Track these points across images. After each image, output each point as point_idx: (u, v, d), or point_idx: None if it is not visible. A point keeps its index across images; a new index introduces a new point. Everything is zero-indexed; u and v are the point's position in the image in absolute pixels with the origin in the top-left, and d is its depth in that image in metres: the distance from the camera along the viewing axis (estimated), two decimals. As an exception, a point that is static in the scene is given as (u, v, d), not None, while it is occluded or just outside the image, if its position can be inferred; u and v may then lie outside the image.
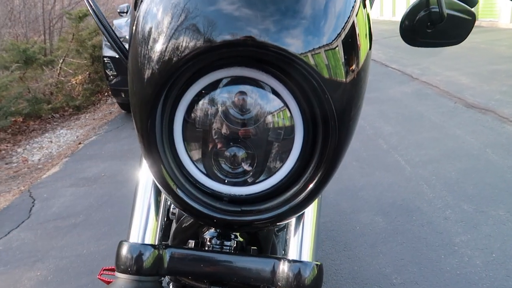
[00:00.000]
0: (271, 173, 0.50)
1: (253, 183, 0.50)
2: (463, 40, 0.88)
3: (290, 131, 0.48)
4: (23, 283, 2.06)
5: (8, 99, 4.93)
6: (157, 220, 0.60)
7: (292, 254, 0.59)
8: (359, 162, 3.15)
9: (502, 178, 2.68)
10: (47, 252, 2.32)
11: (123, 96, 5.05)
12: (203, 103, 0.47)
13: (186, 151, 0.49)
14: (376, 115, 4.35)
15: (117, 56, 4.85)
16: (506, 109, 4.01)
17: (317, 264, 0.57)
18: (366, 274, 1.91)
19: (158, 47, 0.43)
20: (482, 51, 7.67)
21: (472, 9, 0.85)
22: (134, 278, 0.53)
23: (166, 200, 0.63)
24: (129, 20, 4.67)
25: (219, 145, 0.49)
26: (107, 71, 5.03)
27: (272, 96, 0.47)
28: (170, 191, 0.49)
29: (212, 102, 0.47)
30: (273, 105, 0.48)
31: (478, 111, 4.12)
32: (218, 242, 0.64)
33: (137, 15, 0.47)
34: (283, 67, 0.44)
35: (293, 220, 0.62)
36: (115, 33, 0.61)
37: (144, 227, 0.59)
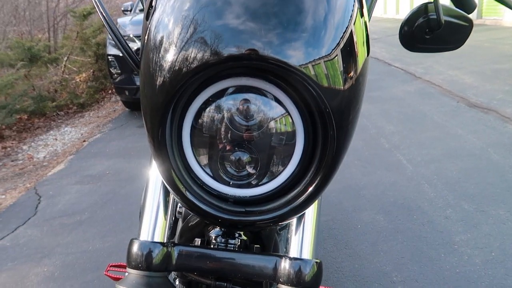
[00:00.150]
0: (274, 176, 0.53)
1: (257, 185, 0.54)
2: (461, 46, 0.91)
3: (291, 136, 0.51)
4: (30, 278, 2.10)
5: (13, 96, 4.97)
6: (165, 219, 0.63)
7: (293, 252, 0.62)
8: (361, 161, 3.18)
9: (503, 178, 2.70)
10: (53, 249, 2.36)
11: (127, 94, 5.09)
12: (210, 110, 0.50)
13: (194, 155, 0.52)
14: (378, 114, 4.37)
15: (121, 55, 4.90)
16: (509, 109, 4.02)
17: (316, 262, 0.60)
18: (366, 272, 1.94)
19: (169, 57, 0.46)
20: (486, 49, 7.66)
21: (470, 16, 0.88)
22: (144, 273, 0.57)
23: (174, 200, 0.67)
24: (133, 19, 4.72)
25: (225, 150, 0.52)
26: (111, 69, 5.07)
27: (274, 104, 0.50)
28: (179, 193, 0.52)
29: (219, 109, 0.50)
30: (276, 112, 0.51)
31: (481, 110, 4.13)
32: (223, 240, 0.67)
33: (149, 25, 0.50)
34: (284, 77, 0.47)
35: (294, 220, 0.65)
36: (126, 43, 0.64)
37: (153, 226, 0.62)
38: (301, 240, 0.63)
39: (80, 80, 6.88)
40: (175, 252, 0.59)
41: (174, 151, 0.51)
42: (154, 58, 0.48)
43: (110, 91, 7.27)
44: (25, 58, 5.69)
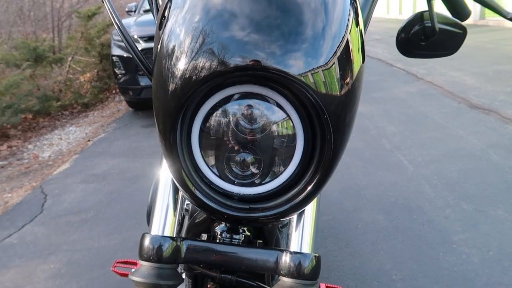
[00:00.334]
0: (276, 175, 0.58)
1: (260, 184, 0.58)
2: (455, 52, 0.95)
3: (292, 139, 0.56)
4: (37, 275, 2.15)
5: (18, 96, 5.04)
6: (175, 215, 0.68)
7: (294, 247, 0.67)
8: (362, 162, 3.21)
9: (502, 179, 2.73)
10: (60, 246, 2.41)
11: (131, 94, 5.15)
12: (217, 114, 0.55)
13: (202, 156, 0.57)
14: (380, 114, 4.40)
15: (125, 55, 4.96)
16: (510, 110, 4.05)
17: (315, 256, 0.64)
18: (366, 270, 1.98)
19: (181, 65, 0.51)
20: (488, 50, 7.67)
21: (464, 23, 0.92)
22: (155, 265, 0.61)
23: (182, 198, 0.71)
24: (138, 20, 4.77)
25: (230, 151, 0.56)
26: (115, 70, 5.12)
27: (276, 109, 0.55)
28: (188, 191, 0.56)
29: (225, 114, 0.55)
30: (277, 116, 0.55)
31: (482, 111, 4.16)
32: (228, 235, 0.72)
33: (162, 34, 0.55)
34: (285, 84, 0.52)
35: (294, 217, 0.69)
36: (137, 48, 0.68)
37: (164, 221, 0.66)
38: (301, 235, 0.67)
39: (84, 80, 6.95)
40: (184, 246, 0.64)
41: (184, 152, 0.56)
42: (166, 65, 0.52)
43: (114, 91, 7.34)
44: (31, 58, 5.75)
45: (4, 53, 5.76)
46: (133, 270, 1.27)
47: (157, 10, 0.77)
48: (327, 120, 0.51)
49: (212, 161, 0.57)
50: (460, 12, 0.93)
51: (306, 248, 0.66)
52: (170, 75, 0.52)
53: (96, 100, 6.68)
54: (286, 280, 0.62)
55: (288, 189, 0.58)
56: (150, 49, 4.66)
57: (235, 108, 0.55)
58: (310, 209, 0.69)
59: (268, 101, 0.55)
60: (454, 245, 2.10)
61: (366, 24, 0.79)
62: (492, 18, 12.47)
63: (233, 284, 0.70)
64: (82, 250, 2.35)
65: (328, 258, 2.08)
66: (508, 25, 11.30)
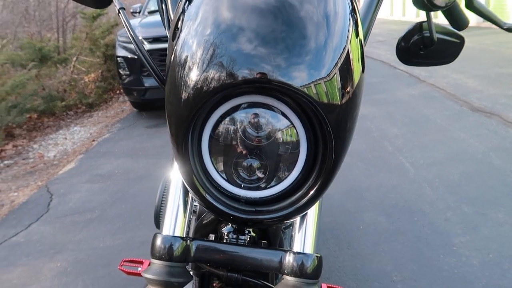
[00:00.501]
0: (280, 180, 0.61)
1: (265, 188, 0.61)
2: (453, 60, 0.98)
3: (296, 146, 0.59)
4: (44, 273, 2.19)
5: (24, 96, 5.09)
6: (184, 216, 0.71)
7: (297, 247, 0.70)
8: (364, 164, 3.24)
9: (503, 182, 2.76)
10: (66, 245, 2.45)
11: (135, 95, 5.19)
12: (225, 122, 0.58)
13: (211, 162, 0.60)
14: (382, 117, 4.43)
15: (129, 56, 5.01)
16: (511, 113, 4.07)
17: (317, 256, 0.68)
18: (367, 271, 2.01)
19: (193, 76, 0.54)
20: (491, 53, 7.69)
21: (462, 33, 0.95)
22: (166, 264, 0.65)
23: (192, 199, 0.75)
24: (142, 21, 4.82)
25: (238, 157, 0.60)
26: (120, 71, 5.17)
27: (281, 117, 0.58)
28: (198, 193, 0.60)
29: (233, 122, 0.58)
30: (282, 124, 0.58)
31: (484, 114, 4.18)
32: (234, 236, 0.75)
33: (175, 45, 0.58)
34: (289, 95, 0.55)
35: (298, 218, 0.73)
36: (151, 58, 0.72)
37: (174, 222, 0.70)
38: (304, 236, 0.71)
39: (88, 80, 7.01)
40: (193, 245, 0.68)
41: (195, 157, 0.59)
42: (179, 74, 0.56)
43: (118, 91, 7.39)
44: (36, 59, 5.81)
45: (9, 53, 5.82)
46: (139, 268, 1.31)
47: (167, 16, 0.81)
48: (329, 131, 0.55)
49: (220, 166, 0.61)
50: (459, 22, 0.96)
51: (309, 249, 0.69)
52: (183, 83, 0.55)
53: (101, 100, 6.73)
54: (289, 279, 0.66)
55: (292, 193, 0.61)
56: (155, 50, 4.70)
57: (242, 116, 0.58)
58: (312, 211, 0.73)
59: (273, 110, 0.58)
60: (455, 247, 2.13)
61: (367, 34, 0.83)
62: (495, 20, 12.47)
63: (239, 282, 0.74)
64: (87, 249, 2.39)
65: (329, 259, 2.11)
66: (512, 28, 11.29)
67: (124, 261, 1.44)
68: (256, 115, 0.58)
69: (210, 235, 0.77)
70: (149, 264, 0.88)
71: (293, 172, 0.60)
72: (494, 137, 3.56)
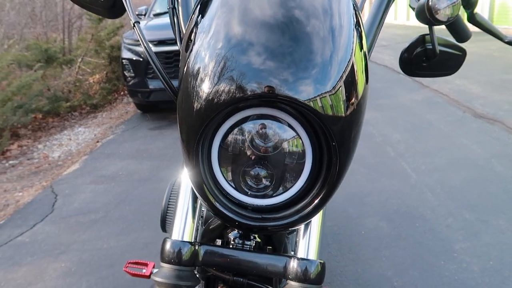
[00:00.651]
0: (286, 189, 0.64)
1: (272, 196, 0.64)
2: (455, 72, 1.01)
3: (301, 156, 0.62)
4: (49, 273, 2.22)
5: (29, 96, 5.13)
6: (193, 222, 0.74)
7: (301, 253, 0.73)
8: (367, 169, 3.26)
9: (505, 189, 2.77)
10: (70, 245, 2.48)
11: (139, 97, 5.23)
12: (234, 133, 0.61)
13: (221, 170, 0.63)
14: (385, 122, 4.45)
15: (134, 58, 5.04)
16: (514, 120, 4.09)
17: (320, 262, 0.70)
18: (368, 276, 2.03)
19: (205, 88, 0.57)
20: (495, 59, 7.70)
21: (463, 45, 0.97)
22: (175, 267, 0.68)
23: (200, 205, 0.77)
24: (148, 24, 4.87)
25: (246, 166, 0.62)
26: (125, 72, 5.21)
27: (287, 129, 0.61)
28: (208, 201, 0.63)
29: (241, 132, 0.61)
30: (288, 135, 0.61)
31: (486, 121, 4.19)
32: (240, 241, 0.78)
33: (188, 56, 0.61)
34: (295, 108, 0.58)
35: (302, 225, 0.75)
36: (166, 75, 0.74)
37: (183, 227, 0.73)
38: (308, 243, 0.73)
39: (93, 81, 7.05)
40: (201, 250, 0.70)
41: (204, 165, 0.62)
42: (191, 84, 0.59)
43: (122, 93, 7.44)
44: (42, 59, 5.86)
45: (16, 54, 5.87)
46: (144, 270, 1.33)
47: (179, 29, 0.84)
48: (335, 146, 0.57)
49: (229, 174, 0.63)
50: (461, 34, 0.99)
51: (312, 255, 0.72)
52: (195, 94, 0.58)
53: (105, 101, 6.77)
54: (293, 284, 0.68)
55: (297, 201, 0.64)
56: (160, 52, 4.74)
57: (250, 127, 0.61)
58: (316, 219, 0.75)
59: (280, 121, 0.61)
60: (455, 253, 2.15)
61: (371, 46, 0.85)
62: (500, 26, 12.47)
63: (244, 287, 0.76)
64: (91, 250, 2.42)
65: (331, 263, 2.13)
66: (516, 34, 11.29)
67: (129, 262, 1.47)
68: (264, 126, 0.61)
69: (217, 240, 0.80)
70: (153, 266, 0.91)
71: (299, 182, 0.63)
72: (496, 143, 3.58)
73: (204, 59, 0.58)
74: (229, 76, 0.55)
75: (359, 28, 0.64)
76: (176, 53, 4.72)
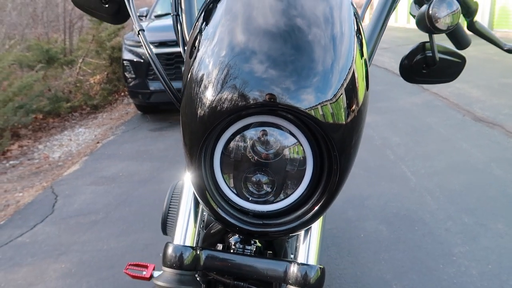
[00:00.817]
0: (287, 195, 0.65)
1: (273, 202, 0.65)
2: (455, 79, 1.02)
3: (302, 163, 0.63)
4: (49, 274, 2.23)
5: (30, 96, 5.14)
6: (195, 226, 0.75)
7: (301, 258, 0.74)
8: (366, 172, 3.27)
9: (504, 193, 2.78)
10: (70, 246, 2.49)
11: (140, 98, 5.24)
12: (236, 140, 0.62)
13: (223, 177, 0.64)
14: (385, 125, 4.46)
15: (135, 60, 5.06)
16: (514, 124, 4.10)
17: (320, 267, 0.71)
18: (367, 279, 2.03)
19: (208, 95, 0.58)
20: (494, 63, 7.72)
21: (463, 52, 0.98)
22: (177, 272, 0.69)
23: (202, 210, 0.78)
24: (149, 25, 4.88)
25: (247, 172, 0.63)
26: (126, 74, 5.22)
27: (289, 136, 0.62)
28: (209, 206, 0.64)
29: (243, 139, 0.62)
30: (289, 142, 0.62)
31: (486, 125, 4.21)
32: (241, 246, 0.79)
33: (192, 63, 0.62)
34: (297, 116, 0.59)
35: (302, 231, 0.76)
36: (170, 81, 0.75)
37: (185, 232, 0.74)
38: (308, 248, 0.74)
39: (94, 82, 7.06)
40: (203, 255, 0.71)
41: (207, 172, 0.63)
42: (195, 91, 0.60)
43: (122, 93, 7.45)
44: (43, 60, 5.87)
45: (17, 54, 5.88)
46: (144, 272, 1.34)
47: (182, 36, 0.85)
48: (333, 144, 0.58)
49: (231, 180, 0.64)
50: (461, 42, 1.00)
51: (312, 260, 0.73)
52: (198, 100, 0.59)
53: (105, 102, 6.78)
54: None
55: (298, 207, 0.65)
56: (161, 54, 4.75)
57: (252, 134, 0.62)
58: (316, 224, 0.76)
59: (281, 129, 0.62)
60: (454, 257, 2.15)
61: (372, 53, 0.86)
62: (500, 29, 12.49)
63: None
64: (92, 251, 2.42)
65: (330, 266, 2.14)
66: (516, 37, 11.32)
67: (130, 264, 1.48)
68: (265, 133, 0.62)
69: (218, 244, 0.81)
70: (153, 268, 0.92)
71: (299, 188, 0.64)
72: (496, 147, 3.59)
73: (208, 66, 0.59)
74: (232, 84, 0.56)
75: (359, 36, 0.65)
76: (177, 55, 4.74)
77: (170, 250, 0.70)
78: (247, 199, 0.65)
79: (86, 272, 2.23)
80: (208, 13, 0.66)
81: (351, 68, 0.59)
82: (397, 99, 5.65)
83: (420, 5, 0.97)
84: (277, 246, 0.87)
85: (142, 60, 5.00)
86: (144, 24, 5.47)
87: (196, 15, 0.80)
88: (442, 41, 0.92)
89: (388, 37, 14.89)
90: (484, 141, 3.75)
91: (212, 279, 0.85)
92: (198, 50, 0.62)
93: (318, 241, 0.75)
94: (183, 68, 0.78)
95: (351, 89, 0.59)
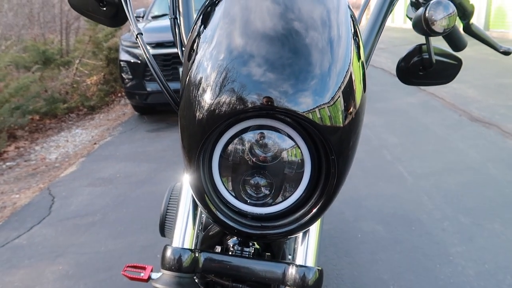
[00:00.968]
0: (285, 198, 0.65)
1: (271, 205, 0.65)
2: (451, 81, 1.03)
3: (300, 166, 0.63)
4: (46, 276, 2.22)
5: (26, 98, 5.12)
6: (193, 229, 0.75)
7: (299, 260, 0.74)
8: (364, 172, 3.28)
9: (500, 193, 2.80)
10: (67, 248, 2.49)
11: (137, 98, 5.23)
12: (234, 143, 0.62)
13: (221, 179, 0.64)
14: (382, 125, 4.47)
15: (132, 61, 5.05)
16: (510, 124, 4.12)
17: (318, 269, 0.71)
18: (365, 280, 2.04)
19: (207, 99, 0.58)
20: (491, 63, 7.74)
21: (459, 55, 0.99)
22: (176, 274, 0.69)
23: (200, 212, 0.79)
24: (146, 26, 4.88)
25: (246, 175, 0.64)
26: (123, 75, 5.21)
27: (287, 139, 0.62)
28: (208, 209, 0.64)
29: (241, 142, 0.62)
30: (287, 145, 0.62)
31: (482, 125, 4.23)
32: (239, 248, 0.80)
33: (191, 66, 0.62)
34: (294, 119, 0.59)
35: (300, 233, 0.77)
36: (166, 82, 0.76)
37: (183, 234, 0.74)
38: (306, 250, 0.75)
39: (91, 83, 7.04)
40: (201, 257, 0.72)
41: (205, 175, 0.63)
42: (194, 94, 0.60)
43: (119, 94, 7.43)
44: (40, 61, 5.85)
45: (13, 55, 5.86)
46: (142, 274, 1.34)
47: (180, 38, 0.85)
48: (331, 147, 0.59)
49: (229, 183, 0.65)
50: (457, 44, 1.01)
51: (310, 262, 0.73)
52: (197, 103, 0.59)
53: (102, 103, 6.77)
54: None
55: (296, 210, 0.65)
56: (158, 55, 4.75)
57: (250, 137, 0.62)
58: (314, 226, 0.76)
59: (279, 132, 0.62)
60: (451, 257, 2.16)
61: (369, 56, 0.87)
62: (496, 30, 12.55)
63: None
64: (89, 252, 2.42)
65: (327, 267, 2.14)
66: (512, 38, 11.37)
67: (127, 266, 1.48)
68: (263, 136, 0.62)
69: (217, 246, 0.82)
70: (151, 270, 0.92)
71: (298, 191, 0.64)
72: (492, 147, 3.61)
73: (206, 69, 0.59)
74: (230, 88, 0.57)
75: (356, 39, 0.65)
76: (174, 56, 4.73)
77: (168, 253, 0.70)
78: (245, 202, 0.65)
79: (83, 274, 2.22)
80: (206, 16, 0.66)
81: (348, 71, 0.60)
82: (394, 99, 5.66)
83: (417, 8, 0.98)
84: (275, 248, 0.88)
85: (139, 61, 4.99)
86: (141, 25, 5.46)
87: (194, 18, 0.80)
88: (438, 42, 0.93)
89: (385, 37, 14.91)
90: (480, 141, 3.77)
91: (210, 281, 0.85)
92: (196, 53, 0.62)
93: (316, 243, 0.75)
94: (180, 70, 0.78)
95: (348, 92, 0.59)
